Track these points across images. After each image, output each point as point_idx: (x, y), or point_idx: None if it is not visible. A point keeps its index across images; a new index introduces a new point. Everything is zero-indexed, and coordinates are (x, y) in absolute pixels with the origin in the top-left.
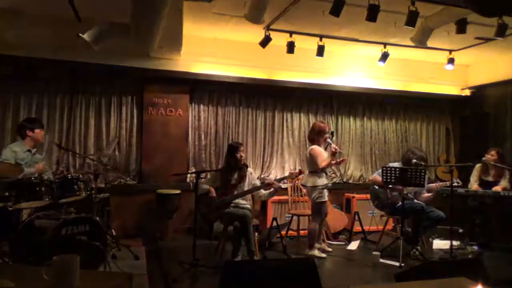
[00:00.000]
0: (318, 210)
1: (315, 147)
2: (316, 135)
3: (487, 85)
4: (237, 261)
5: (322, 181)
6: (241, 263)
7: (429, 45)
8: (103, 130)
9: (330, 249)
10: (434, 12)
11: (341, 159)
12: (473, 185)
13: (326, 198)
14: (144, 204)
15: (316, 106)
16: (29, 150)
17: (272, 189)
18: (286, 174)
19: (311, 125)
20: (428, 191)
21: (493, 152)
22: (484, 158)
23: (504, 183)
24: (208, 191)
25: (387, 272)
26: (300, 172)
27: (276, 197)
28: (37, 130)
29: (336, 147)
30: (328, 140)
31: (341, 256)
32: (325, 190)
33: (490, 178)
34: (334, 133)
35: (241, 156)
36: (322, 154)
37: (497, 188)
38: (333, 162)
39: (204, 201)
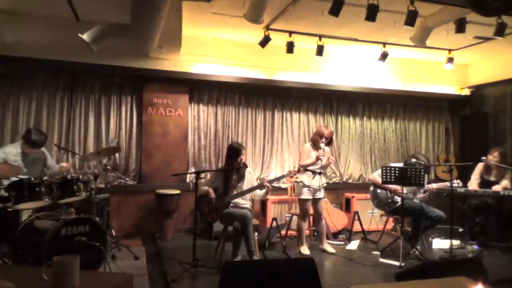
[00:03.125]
0: (299, 206)
1: (306, 145)
2: (315, 136)
3: (486, 85)
4: (237, 261)
5: (304, 178)
6: (241, 263)
7: (428, 45)
8: (103, 130)
9: (333, 251)
10: (433, 11)
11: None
12: (473, 183)
13: (307, 196)
14: (144, 204)
15: (316, 105)
16: (23, 153)
17: (265, 189)
18: (285, 173)
19: (310, 124)
20: (424, 191)
21: (496, 154)
22: (484, 158)
23: (505, 182)
24: (207, 192)
25: (387, 271)
26: (299, 170)
27: (276, 197)
28: (27, 146)
29: (319, 154)
30: (321, 144)
31: (341, 256)
32: (306, 188)
33: (492, 178)
34: (334, 133)
35: (241, 160)
36: (307, 154)
37: (497, 188)
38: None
39: (203, 201)
